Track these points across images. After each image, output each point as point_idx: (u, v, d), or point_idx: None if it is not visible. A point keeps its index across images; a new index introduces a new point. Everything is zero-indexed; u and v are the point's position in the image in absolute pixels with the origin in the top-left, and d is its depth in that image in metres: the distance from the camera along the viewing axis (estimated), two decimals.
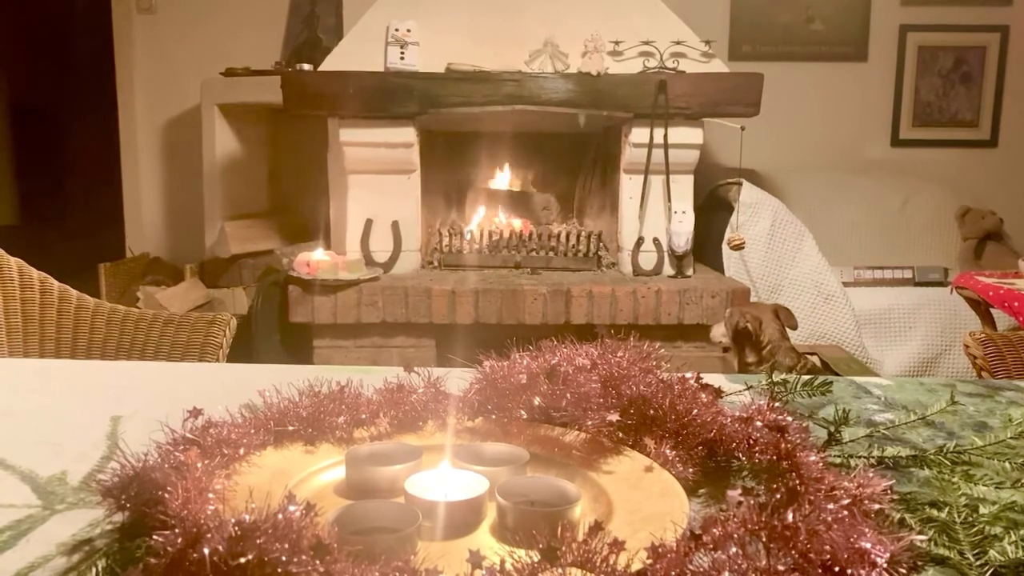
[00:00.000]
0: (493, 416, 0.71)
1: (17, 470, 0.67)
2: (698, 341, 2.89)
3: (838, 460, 0.67)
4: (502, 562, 0.43)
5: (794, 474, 0.55)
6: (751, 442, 0.63)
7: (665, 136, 2.94)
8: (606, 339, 0.75)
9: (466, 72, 2.93)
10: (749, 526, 0.45)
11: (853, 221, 3.83)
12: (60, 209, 5.96)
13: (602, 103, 2.93)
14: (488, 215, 3.41)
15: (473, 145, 3.43)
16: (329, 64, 3.01)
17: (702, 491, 0.63)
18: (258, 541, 0.41)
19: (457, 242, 3.17)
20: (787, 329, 2.38)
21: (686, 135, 2.98)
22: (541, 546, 0.43)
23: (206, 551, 0.40)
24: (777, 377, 0.85)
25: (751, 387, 0.88)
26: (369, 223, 3.06)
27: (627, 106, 2.94)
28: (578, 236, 3.18)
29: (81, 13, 5.55)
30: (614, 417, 0.65)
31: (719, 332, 2.49)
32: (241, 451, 0.60)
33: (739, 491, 0.48)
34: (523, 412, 0.70)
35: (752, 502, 0.47)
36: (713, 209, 3.39)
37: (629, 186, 3.07)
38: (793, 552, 0.44)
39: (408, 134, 2.98)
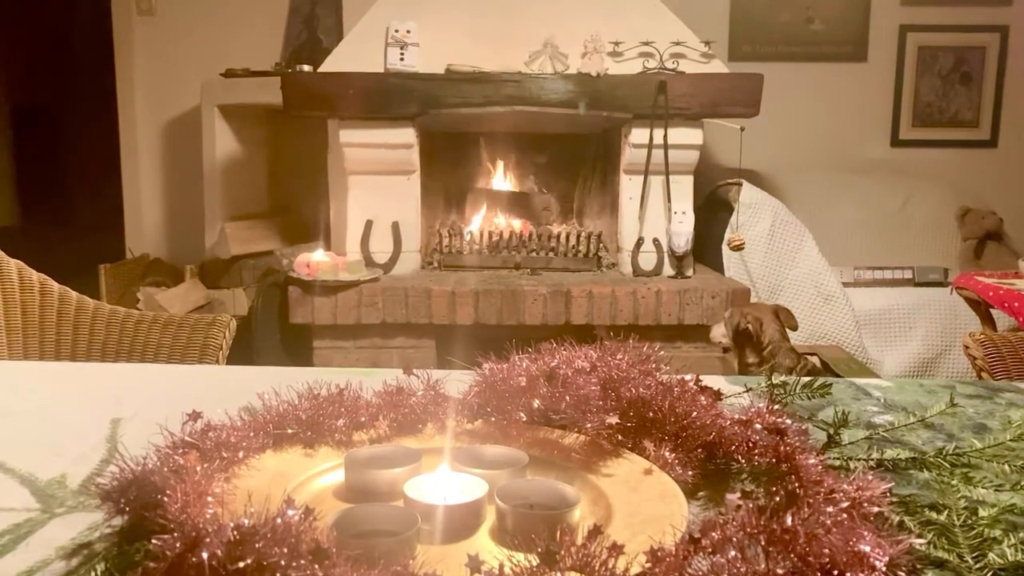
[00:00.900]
0: (492, 419, 0.71)
1: (17, 473, 0.67)
2: (698, 342, 2.89)
3: (837, 462, 0.67)
4: (501, 566, 0.43)
5: (793, 477, 0.55)
6: (750, 445, 0.63)
7: (665, 136, 2.94)
8: (605, 341, 0.75)
9: (466, 73, 2.93)
10: (748, 529, 0.45)
11: (853, 221, 3.83)
12: (60, 210, 5.97)
13: (602, 104, 2.93)
14: (488, 216, 3.41)
15: (473, 146, 3.43)
16: (329, 65, 3.01)
17: (701, 494, 0.63)
18: (257, 545, 0.41)
19: (457, 243, 3.17)
20: (787, 330, 2.38)
21: (686, 135, 2.98)
22: (540, 550, 0.43)
23: (205, 555, 0.40)
24: (777, 379, 0.85)
25: (750, 389, 0.88)
26: (369, 224, 3.06)
27: (627, 107, 2.94)
28: (578, 237, 3.18)
29: (81, 14, 5.56)
30: (613, 420, 0.65)
31: (719, 333, 2.49)
32: (240, 454, 0.61)
33: (738, 494, 0.48)
34: (522, 415, 0.70)
35: (751, 505, 0.47)
36: (713, 209, 3.39)
37: (629, 187, 3.07)
38: (792, 556, 0.44)
39: (408, 135, 2.98)
